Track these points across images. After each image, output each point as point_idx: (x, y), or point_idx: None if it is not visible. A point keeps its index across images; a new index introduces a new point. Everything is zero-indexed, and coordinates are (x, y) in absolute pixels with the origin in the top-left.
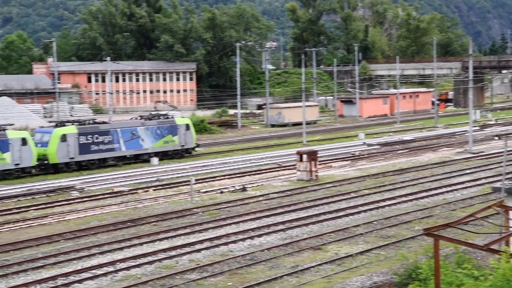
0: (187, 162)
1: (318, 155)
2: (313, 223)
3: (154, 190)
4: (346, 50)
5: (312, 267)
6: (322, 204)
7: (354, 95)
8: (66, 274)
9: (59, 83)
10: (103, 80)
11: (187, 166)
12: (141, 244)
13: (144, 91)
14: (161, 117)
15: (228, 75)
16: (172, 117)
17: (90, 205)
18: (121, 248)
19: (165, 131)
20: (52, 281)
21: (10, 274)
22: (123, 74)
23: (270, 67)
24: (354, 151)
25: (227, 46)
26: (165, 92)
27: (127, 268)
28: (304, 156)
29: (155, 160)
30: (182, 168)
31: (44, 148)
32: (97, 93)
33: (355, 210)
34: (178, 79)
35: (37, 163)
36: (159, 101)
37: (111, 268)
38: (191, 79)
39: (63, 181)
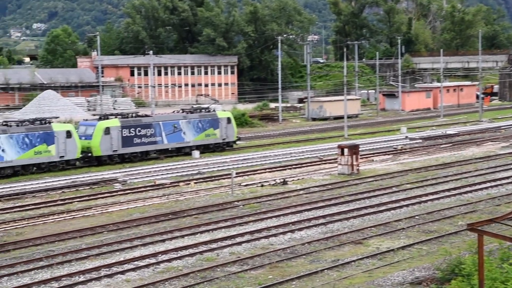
0: (227, 156)
1: (360, 149)
2: (354, 217)
3: (195, 183)
4: (388, 43)
5: (353, 261)
6: (364, 198)
7: (397, 89)
8: (109, 265)
9: (102, 76)
10: (146, 74)
11: (227, 159)
12: (182, 236)
13: (186, 85)
14: (203, 110)
15: (270, 69)
16: (214, 111)
17: (133, 197)
18: (163, 240)
19: (207, 125)
20: (96, 272)
21: (55, 264)
22: (165, 68)
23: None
24: (396, 145)
25: (268, 39)
26: (206, 85)
27: (169, 260)
28: (346, 150)
29: (196, 153)
30: (222, 162)
31: (88, 140)
32: (139, 87)
33: (397, 205)
34: (219, 73)
35: (81, 155)
36: (201, 95)
37: (153, 260)
38: (232, 72)
39: (106, 173)
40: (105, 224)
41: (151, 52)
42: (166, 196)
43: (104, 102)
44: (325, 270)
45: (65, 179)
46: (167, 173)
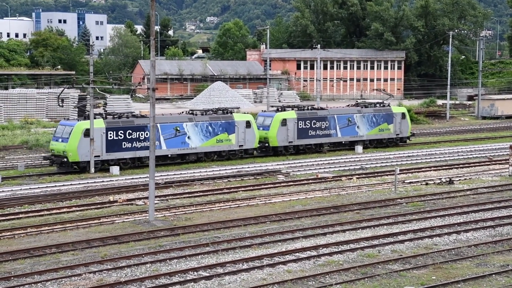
0: (391, 152)
1: None
2: None
3: (357, 178)
4: None
5: None
6: None
7: None
8: (271, 255)
9: (270, 69)
10: (312, 68)
11: (391, 155)
12: (343, 231)
13: (351, 79)
14: (378, 105)
15: (438, 65)
16: (389, 105)
17: (295, 190)
18: (324, 234)
19: (381, 119)
20: (258, 260)
21: (221, 251)
22: (331, 62)
23: None
24: None
25: (439, 34)
26: (372, 80)
27: (330, 254)
28: None
29: (359, 148)
30: (386, 158)
31: (266, 131)
32: (305, 80)
33: None
34: (386, 68)
35: (258, 145)
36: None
37: (313, 253)
38: (399, 67)
39: (269, 164)
40: (268, 215)
41: (318, 46)
42: (328, 190)
43: (270, 94)
44: (493, 275)
45: (231, 168)
46: (329, 167)
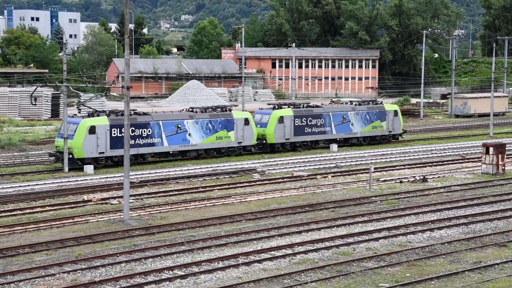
0: (366, 150)
1: (507, 148)
2: (499, 218)
3: (332, 176)
4: None
5: (497, 264)
6: (510, 200)
7: None
8: (246, 254)
9: (245, 68)
10: (287, 66)
11: (365, 154)
12: (319, 229)
13: (326, 78)
14: (370, 103)
15: (412, 63)
16: (381, 103)
17: (270, 188)
18: (299, 232)
19: (374, 117)
20: (234, 259)
21: (196, 250)
22: (306, 61)
23: None
24: None
25: (412, 33)
26: (346, 79)
27: (305, 252)
28: (491, 149)
29: (334, 147)
30: (361, 156)
31: (263, 128)
32: (280, 79)
33: None
34: (360, 67)
35: (256, 142)
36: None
37: (289, 251)
38: (373, 66)
39: (245, 163)
40: (244, 213)
41: (293, 44)
42: (303, 188)
43: (245, 93)
44: (466, 272)
45: (206, 167)
46: (305, 166)
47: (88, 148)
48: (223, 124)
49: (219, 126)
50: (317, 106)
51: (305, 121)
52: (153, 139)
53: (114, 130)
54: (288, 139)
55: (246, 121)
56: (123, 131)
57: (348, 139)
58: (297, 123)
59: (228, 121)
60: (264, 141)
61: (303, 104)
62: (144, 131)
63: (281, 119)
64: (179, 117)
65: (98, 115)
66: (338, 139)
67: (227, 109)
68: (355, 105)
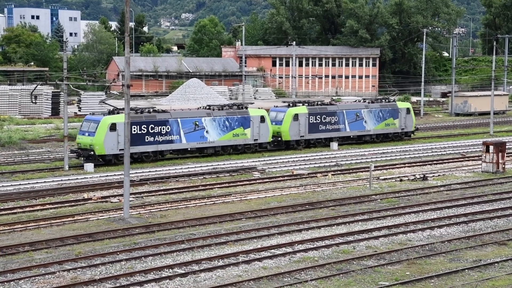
0: (366, 148)
1: (507, 147)
2: (499, 217)
3: (332, 174)
4: None
5: (496, 262)
6: (510, 198)
7: None
8: (247, 252)
9: (245, 66)
10: (287, 64)
11: (366, 152)
12: (319, 227)
13: (326, 76)
14: (383, 100)
15: (412, 62)
16: (394, 101)
17: (270, 186)
18: (299, 230)
19: (387, 114)
20: (234, 257)
21: (196, 248)
22: (307, 59)
23: None
24: None
25: (413, 31)
26: (347, 77)
27: (305, 250)
28: (491, 147)
29: (334, 145)
30: (361, 154)
31: (278, 126)
32: (280, 77)
33: None
34: (360, 65)
35: (271, 139)
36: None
37: (289, 249)
38: (374, 65)
39: (245, 161)
40: (244, 211)
41: (293, 43)
42: (303, 187)
43: (246, 91)
44: (466, 270)
45: (206, 166)
46: (305, 164)
47: (109, 145)
48: (239, 122)
49: (236, 123)
50: (331, 104)
51: (319, 119)
52: (172, 136)
53: (134, 128)
54: (303, 136)
55: (262, 119)
56: (143, 128)
57: (361, 136)
58: (311, 120)
59: (245, 118)
60: (280, 138)
61: (318, 102)
62: (163, 129)
63: (296, 117)
64: (197, 114)
65: (118, 113)
66: (351, 136)
67: (244, 106)
68: (368, 102)
